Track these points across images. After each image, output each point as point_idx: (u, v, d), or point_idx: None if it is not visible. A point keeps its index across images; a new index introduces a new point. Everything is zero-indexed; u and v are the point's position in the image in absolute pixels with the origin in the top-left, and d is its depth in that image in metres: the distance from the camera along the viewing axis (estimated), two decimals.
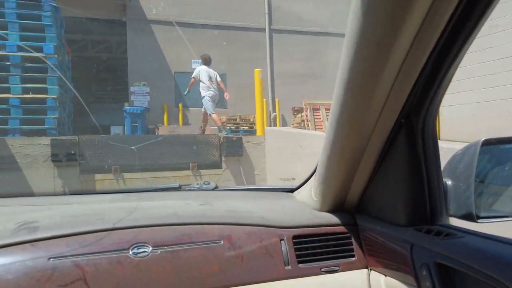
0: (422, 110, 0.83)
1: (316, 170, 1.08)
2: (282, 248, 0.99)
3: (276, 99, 11.92)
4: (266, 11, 12.57)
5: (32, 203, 1.34)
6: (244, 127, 10.33)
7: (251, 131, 9.58)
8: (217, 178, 6.53)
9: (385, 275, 0.96)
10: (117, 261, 0.86)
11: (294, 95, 11.67)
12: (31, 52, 6.68)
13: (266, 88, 11.78)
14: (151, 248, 0.90)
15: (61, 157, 6.08)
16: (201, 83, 7.10)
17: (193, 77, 7.11)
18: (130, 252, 0.89)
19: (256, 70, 7.76)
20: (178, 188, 1.53)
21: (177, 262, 0.90)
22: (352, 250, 1.04)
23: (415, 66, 0.75)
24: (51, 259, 0.83)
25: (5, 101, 6.70)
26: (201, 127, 7.63)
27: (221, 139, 6.78)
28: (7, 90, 6.73)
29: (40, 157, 6.11)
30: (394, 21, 0.65)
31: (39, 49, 6.91)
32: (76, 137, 6.27)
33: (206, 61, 7.24)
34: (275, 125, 10.88)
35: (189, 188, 1.55)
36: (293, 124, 11.17)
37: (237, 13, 12.20)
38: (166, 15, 11.56)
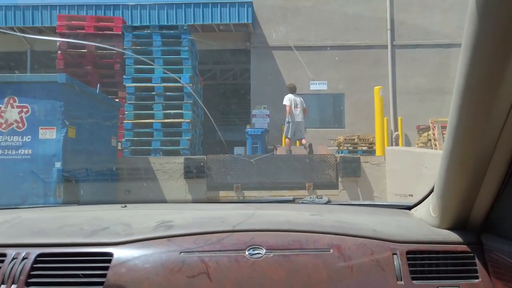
0: None
1: (435, 184, 1.02)
2: (395, 263, 0.96)
3: (399, 118, 11.21)
4: (389, 27, 12.09)
5: (169, 208, 1.56)
6: (363, 147, 9.96)
7: (371, 152, 9.18)
8: (333, 199, 6.41)
9: None
10: (235, 260, 0.96)
11: (418, 113, 10.84)
12: (173, 82, 7.74)
13: (388, 106, 11.21)
14: (265, 251, 0.98)
15: (192, 174, 6.81)
16: (294, 109, 7.63)
17: (287, 105, 7.64)
18: (246, 253, 0.98)
19: (376, 87, 7.49)
20: (292, 201, 1.61)
21: (288, 266, 0.95)
22: (476, 271, 0.95)
23: None
24: (182, 253, 0.98)
25: (150, 125, 7.85)
26: (287, 150, 7.91)
27: (338, 159, 6.68)
28: (151, 116, 7.89)
29: (175, 174, 6.97)
30: None
31: (177, 80, 7.95)
32: (205, 157, 6.96)
33: (292, 90, 7.79)
34: (397, 145, 10.21)
35: (302, 201, 1.61)
36: (417, 144, 10.32)
37: (357, 32, 12.02)
38: (286, 40, 12.09)
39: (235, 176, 6.79)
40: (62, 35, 8.81)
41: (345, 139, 10.20)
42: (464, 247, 0.99)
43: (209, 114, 10.02)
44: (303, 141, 7.75)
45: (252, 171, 6.79)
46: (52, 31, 10.16)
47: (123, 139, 7.80)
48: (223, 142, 10.88)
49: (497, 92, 0.71)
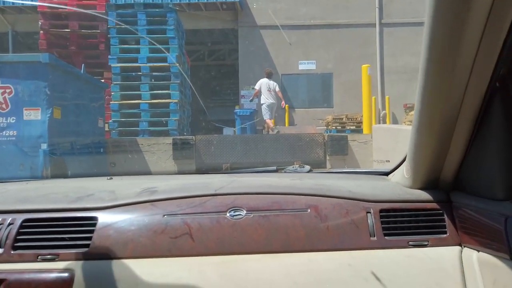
0: None
1: (408, 146, 1.06)
2: (368, 221, 1.01)
3: (386, 97, 11.29)
4: (377, 5, 12.01)
5: (154, 178, 1.59)
6: (351, 127, 10.02)
7: (359, 131, 9.27)
8: None
9: (478, 251, 0.92)
10: (216, 221, 1.01)
11: (406, 92, 10.90)
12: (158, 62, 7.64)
13: (376, 85, 11.25)
14: (245, 212, 1.03)
15: (181, 155, 6.82)
16: (262, 94, 8.17)
17: (256, 89, 8.26)
18: (228, 214, 1.02)
19: (364, 66, 7.51)
20: (275, 171, 1.65)
21: (268, 226, 1.00)
22: (444, 226, 1.01)
23: (502, 20, 0.68)
24: (165, 216, 1.02)
25: (137, 106, 7.78)
26: (264, 127, 8.53)
27: (326, 138, 6.74)
28: (138, 97, 7.81)
29: (164, 155, 6.95)
30: None
31: (164, 60, 7.85)
32: (193, 137, 6.95)
33: (268, 75, 8.31)
34: (384, 123, 10.33)
35: (285, 170, 1.66)
36: (405, 122, 10.44)
37: (346, 10, 11.94)
38: (274, 19, 11.96)
39: (224, 156, 6.81)
40: (43, 14, 8.56)
41: (333, 118, 10.24)
42: (434, 205, 1.04)
43: (197, 94, 9.95)
44: (269, 122, 8.29)
45: (241, 151, 6.82)
46: (33, 11, 9.85)
47: (110, 120, 7.73)
48: (212, 123, 10.87)
49: (458, 51, 0.73)
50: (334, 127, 10.01)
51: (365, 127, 7.26)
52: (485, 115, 0.84)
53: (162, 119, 7.80)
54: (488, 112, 0.84)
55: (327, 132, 9.24)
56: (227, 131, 11.30)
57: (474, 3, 0.65)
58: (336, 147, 6.58)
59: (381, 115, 10.72)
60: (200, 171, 6.39)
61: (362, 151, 6.66)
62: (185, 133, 8.46)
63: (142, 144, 6.99)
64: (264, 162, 6.80)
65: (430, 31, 0.73)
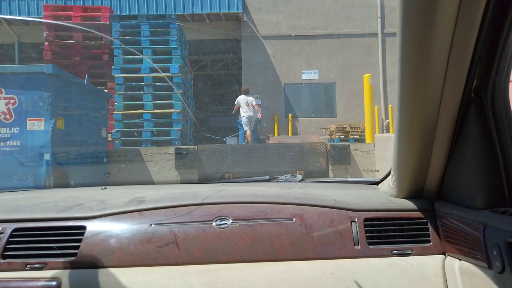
0: (489, 83, 0.76)
1: (392, 156, 1.06)
2: (353, 229, 1.02)
3: (389, 106, 11.28)
4: (379, 15, 12.08)
5: (147, 188, 1.59)
6: (354, 136, 9.99)
7: (362, 140, 9.24)
8: None
9: (460, 260, 0.93)
10: (202, 230, 1.02)
11: None
12: (161, 72, 7.70)
13: (378, 94, 11.26)
14: (231, 221, 1.04)
15: (183, 164, 6.82)
16: (241, 108, 9.11)
17: (236, 104, 9.29)
18: (214, 223, 1.03)
19: (365, 75, 7.52)
20: (268, 180, 1.66)
21: (253, 234, 1.01)
22: (428, 235, 1.02)
23: (468, 34, 0.69)
24: (152, 225, 1.03)
25: (139, 116, 7.82)
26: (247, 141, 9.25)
27: (328, 147, 6.73)
28: (141, 107, 7.86)
29: (166, 165, 6.97)
30: None
31: (167, 70, 7.91)
32: (196, 147, 6.96)
33: (246, 92, 9.30)
34: (387, 132, 10.29)
35: (277, 180, 1.67)
36: None
37: (348, 20, 12.02)
38: (277, 29, 12.05)
39: (227, 165, 6.81)
40: (48, 26, 8.68)
41: (336, 127, 10.23)
42: (418, 214, 1.05)
43: (200, 104, 10.02)
44: (249, 132, 9.05)
45: (243, 160, 6.81)
46: (39, 22, 10.02)
47: (113, 130, 7.77)
48: (215, 132, 10.89)
49: (428, 64, 0.74)
50: (337, 136, 10.00)
51: (367, 136, 7.25)
52: (462, 125, 0.86)
53: (165, 128, 7.83)
54: (464, 122, 0.85)
55: (330, 142, 9.24)
56: (231, 140, 11.34)
57: (438, 19, 0.67)
58: (339, 156, 6.56)
59: (384, 124, 10.69)
60: (192, 181, 6.40)
61: (365, 160, 6.64)
62: (188, 143, 8.48)
63: (144, 154, 7.01)
64: (266, 171, 6.79)
65: (400, 45, 0.75)
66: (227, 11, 11.50)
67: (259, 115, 9.49)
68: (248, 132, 9.03)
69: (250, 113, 9.09)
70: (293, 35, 11.96)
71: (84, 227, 1.03)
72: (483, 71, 0.76)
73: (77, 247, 0.99)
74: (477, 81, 0.78)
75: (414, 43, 0.73)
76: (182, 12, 11.24)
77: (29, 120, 5.42)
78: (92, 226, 1.03)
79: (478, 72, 0.77)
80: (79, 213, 1.07)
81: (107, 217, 1.06)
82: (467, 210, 0.89)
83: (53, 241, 1.01)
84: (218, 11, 11.51)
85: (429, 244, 1.01)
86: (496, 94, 0.78)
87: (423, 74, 0.77)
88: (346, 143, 7.40)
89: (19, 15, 11.25)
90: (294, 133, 11.52)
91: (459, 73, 0.76)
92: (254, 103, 9.24)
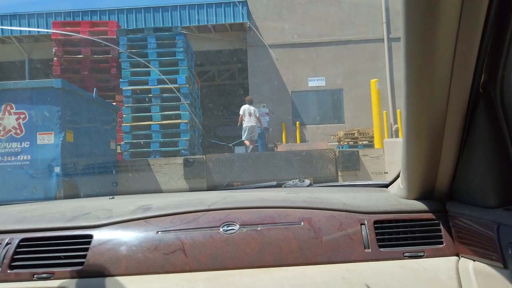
0: (497, 78, 0.73)
1: (401, 157, 1.04)
2: (363, 232, 1.00)
3: (398, 110, 11.20)
4: (384, 20, 12.07)
5: (154, 196, 1.59)
6: (363, 142, 9.93)
7: (371, 145, 9.17)
8: None
9: (474, 261, 0.90)
10: (209, 236, 1.01)
11: None
12: (168, 84, 7.78)
13: (386, 99, 11.19)
14: (238, 226, 1.02)
15: (192, 174, 6.83)
16: (243, 117, 9.23)
17: (240, 114, 9.34)
18: (221, 229, 1.02)
19: (372, 80, 7.49)
20: (275, 186, 1.64)
21: (261, 239, 0.99)
22: (441, 237, 0.99)
23: (473, 28, 0.68)
24: (159, 232, 1.02)
25: (148, 127, 7.88)
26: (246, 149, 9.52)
27: (337, 153, 6.68)
28: (149, 118, 7.92)
29: (175, 175, 6.98)
30: None
31: (174, 81, 7.98)
32: (204, 156, 6.97)
33: (249, 102, 9.41)
34: (397, 137, 10.20)
35: (285, 185, 1.64)
36: None
37: (353, 26, 12.03)
38: (283, 37, 12.11)
39: (235, 173, 6.80)
40: (57, 41, 8.84)
41: (345, 134, 10.18)
42: (429, 215, 1.02)
43: (207, 114, 10.07)
44: (246, 142, 9.23)
45: (252, 168, 6.79)
46: (48, 39, 10.22)
47: (122, 142, 7.82)
48: (223, 142, 10.91)
49: (434, 57, 0.73)
50: (346, 143, 9.94)
51: (376, 142, 7.19)
52: (471, 123, 0.84)
53: (173, 139, 7.86)
54: (473, 120, 0.83)
55: (339, 148, 9.18)
56: (239, 149, 11.35)
57: (442, 12, 0.65)
58: (348, 162, 6.51)
59: (393, 129, 10.61)
60: (199, 188, 6.40)
61: (375, 165, 6.57)
62: (196, 153, 8.50)
63: (153, 165, 7.04)
64: (276, 179, 6.72)
65: (405, 42, 0.73)
66: (232, 21, 11.61)
67: (261, 128, 9.63)
68: (246, 142, 9.25)
69: (252, 123, 9.19)
70: (298, 42, 12.00)
71: (91, 236, 1.02)
72: (491, 65, 0.75)
73: (84, 256, 0.99)
74: (485, 76, 0.77)
75: (419, 39, 0.71)
76: (188, 24, 11.37)
77: (39, 134, 5.48)
78: (98, 235, 1.02)
79: (485, 67, 0.75)
80: (85, 222, 1.07)
81: (113, 225, 1.05)
82: (480, 210, 0.87)
83: (60, 251, 1.01)
84: (223, 22, 11.62)
85: (441, 245, 0.98)
86: (505, 88, 0.76)
87: (429, 70, 0.75)
88: (354, 149, 7.34)
89: (29, 32, 11.50)
90: (302, 140, 11.49)
91: (466, 68, 0.75)
92: (257, 114, 9.38)
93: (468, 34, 0.70)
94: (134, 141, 7.87)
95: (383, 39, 11.97)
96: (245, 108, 9.28)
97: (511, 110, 0.77)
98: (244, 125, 9.24)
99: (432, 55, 0.72)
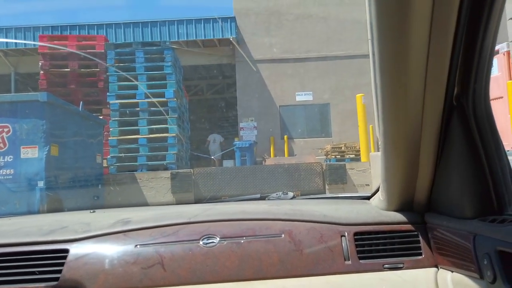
0: (469, 90, 0.76)
1: (380, 169, 1.05)
2: (343, 244, 1.00)
3: None
4: (369, 36, 12.33)
5: (135, 210, 1.57)
6: (350, 155, 10.00)
7: (358, 159, 9.25)
8: None
9: (452, 272, 0.91)
10: (189, 249, 0.99)
11: None
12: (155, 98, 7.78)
13: (372, 113, 11.35)
14: (218, 239, 1.01)
15: (179, 189, 6.77)
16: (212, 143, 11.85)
17: (208, 139, 12.17)
18: (201, 242, 1.01)
19: (358, 95, 7.61)
20: (259, 198, 1.63)
21: (241, 252, 0.98)
22: (420, 248, 1.00)
23: (444, 41, 0.71)
24: (138, 246, 1.01)
25: (135, 141, 7.82)
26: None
27: (324, 167, 6.72)
28: (136, 132, 7.87)
29: (162, 189, 6.91)
30: (403, 6, 0.65)
31: (162, 95, 7.97)
32: (191, 170, 6.94)
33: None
34: None
35: (268, 198, 1.64)
36: None
37: (339, 43, 12.26)
38: (270, 53, 12.26)
39: (223, 188, 6.77)
40: (44, 55, 8.79)
41: (332, 147, 10.25)
42: (408, 227, 1.03)
43: (196, 128, 10.06)
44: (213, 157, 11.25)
45: (239, 182, 6.78)
46: (35, 52, 10.15)
47: (109, 156, 7.74)
48: (211, 157, 10.88)
49: (407, 70, 0.75)
50: (333, 156, 10.00)
51: (362, 155, 7.26)
52: (446, 135, 0.86)
53: (161, 153, 7.81)
54: (448, 132, 0.85)
55: (326, 162, 9.23)
56: (227, 163, 11.31)
57: (413, 26, 0.68)
58: (335, 176, 6.55)
59: (379, 142, 10.72)
60: (182, 202, 6.34)
61: (361, 179, 6.62)
62: (184, 166, 8.45)
63: (140, 179, 6.96)
64: (263, 193, 6.69)
65: (378, 56, 0.76)
66: (221, 37, 11.72)
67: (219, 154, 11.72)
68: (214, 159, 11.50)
69: (216, 147, 11.97)
70: (286, 58, 12.16)
71: (67, 250, 1.00)
72: (463, 78, 0.77)
73: (59, 271, 0.96)
74: (458, 88, 0.79)
75: (391, 53, 0.73)
76: (176, 39, 11.44)
77: (23, 148, 5.39)
78: (75, 249, 1.00)
79: (457, 80, 0.77)
80: (62, 236, 1.05)
81: (91, 239, 1.03)
82: (457, 221, 0.88)
83: (35, 266, 0.98)
84: (212, 37, 11.72)
85: (420, 257, 0.99)
86: (477, 100, 0.78)
87: (403, 84, 0.77)
88: (341, 163, 7.40)
89: (16, 46, 11.41)
90: (291, 154, 11.53)
91: (438, 81, 0.77)
92: (221, 140, 12.22)
93: (439, 49, 0.72)
94: (121, 154, 7.80)
95: (369, 55, 12.21)
96: (211, 137, 11.90)
97: (483, 121, 0.79)
98: (210, 148, 11.86)
99: (405, 68, 0.74)
